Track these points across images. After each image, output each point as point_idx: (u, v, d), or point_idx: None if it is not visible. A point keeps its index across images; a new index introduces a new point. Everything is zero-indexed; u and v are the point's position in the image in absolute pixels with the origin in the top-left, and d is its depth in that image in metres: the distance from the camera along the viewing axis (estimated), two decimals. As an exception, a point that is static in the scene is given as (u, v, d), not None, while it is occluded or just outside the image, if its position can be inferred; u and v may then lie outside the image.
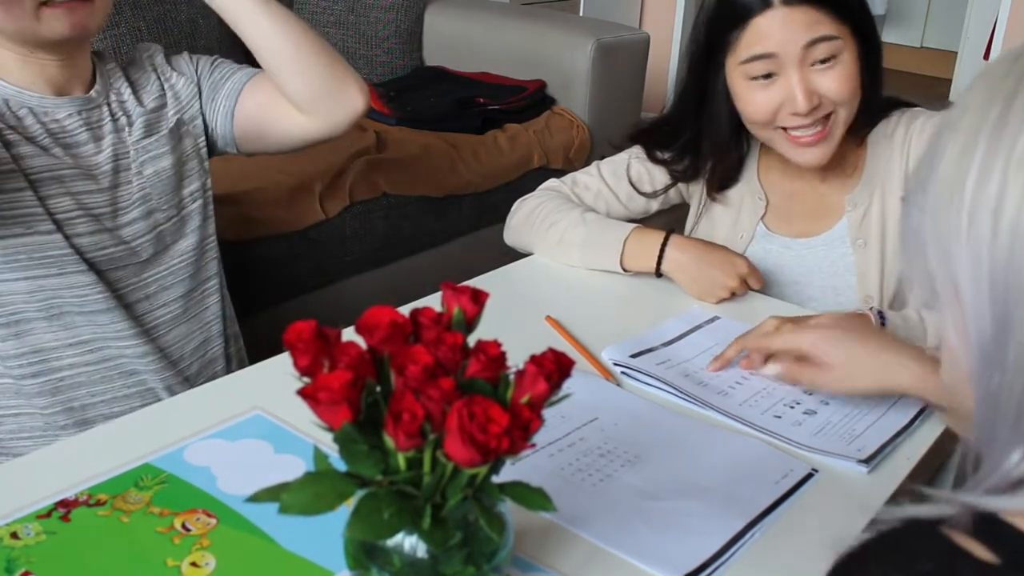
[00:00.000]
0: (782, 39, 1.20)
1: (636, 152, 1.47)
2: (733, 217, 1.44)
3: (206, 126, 1.41)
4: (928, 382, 0.97)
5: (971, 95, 0.54)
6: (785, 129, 1.27)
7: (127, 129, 1.30)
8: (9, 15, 1.14)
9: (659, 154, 1.44)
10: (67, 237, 1.20)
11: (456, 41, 2.86)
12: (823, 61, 1.22)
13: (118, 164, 1.28)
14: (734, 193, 1.44)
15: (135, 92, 1.33)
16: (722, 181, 1.43)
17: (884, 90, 1.34)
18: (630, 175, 1.46)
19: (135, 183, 1.29)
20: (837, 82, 1.22)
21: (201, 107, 1.40)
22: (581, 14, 4.01)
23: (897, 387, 1.00)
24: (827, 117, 1.25)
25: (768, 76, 1.23)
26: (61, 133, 1.23)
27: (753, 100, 1.26)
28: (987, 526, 0.49)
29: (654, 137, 1.45)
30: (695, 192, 1.48)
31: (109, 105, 1.29)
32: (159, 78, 1.37)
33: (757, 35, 1.22)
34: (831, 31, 1.20)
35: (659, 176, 1.46)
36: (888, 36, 6.23)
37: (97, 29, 1.23)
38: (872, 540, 0.51)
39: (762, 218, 1.41)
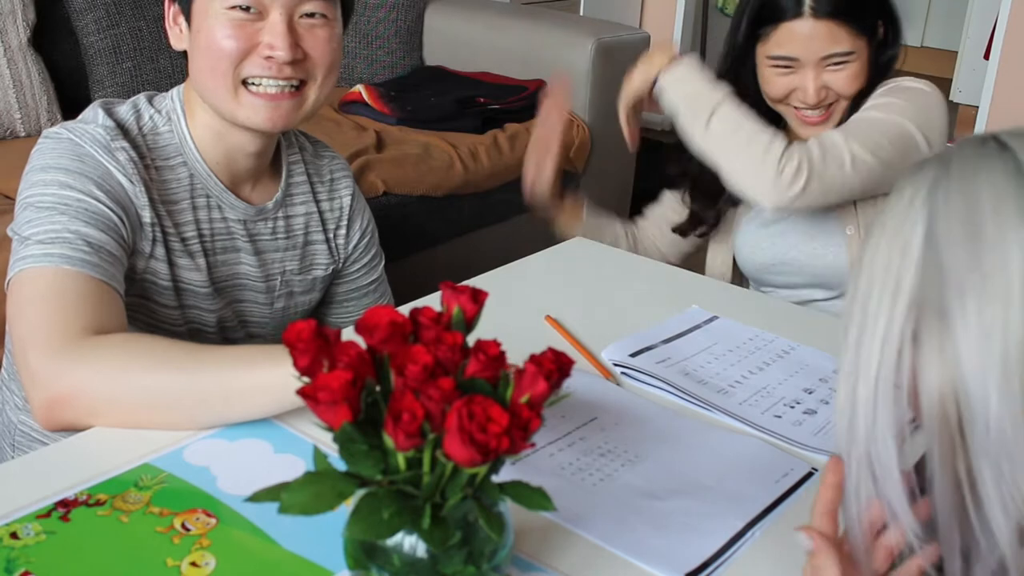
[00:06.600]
0: (805, 48, 1.41)
1: None
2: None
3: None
4: None
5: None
6: (795, 108, 1.47)
7: (281, 254, 1.25)
8: (214, 82, 1.09)
9: None
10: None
11: (456, 41, 2.86)
12: (836, 64, 1.42)
13: (269, 284, 1.24)
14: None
15: (306, 215, 1.27)
16: None
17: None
18: None
19: (278, 303, 1.26)
20: (845, 81, 1.44)
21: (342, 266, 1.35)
22: (581, 14, 4.00)
23: None
24: (831, 105, 1.46)
25: (788, 67, 1.44)
26: (224, 235, 1.19)
27: (773, 82, 1.46)
28: None
29: None
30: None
31: (275, 220, 1.23)
32: (334, 225, 1.32)
33: (787, 36, 1.42)
34: (847, 47, 1.41)
35: None
36: (888, 36, 6.23)
37: (298, 124, 1.16)
38: None
39: None
